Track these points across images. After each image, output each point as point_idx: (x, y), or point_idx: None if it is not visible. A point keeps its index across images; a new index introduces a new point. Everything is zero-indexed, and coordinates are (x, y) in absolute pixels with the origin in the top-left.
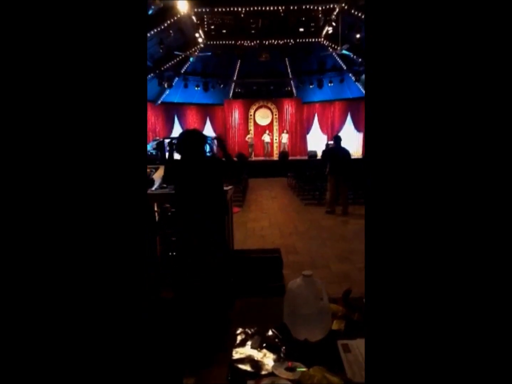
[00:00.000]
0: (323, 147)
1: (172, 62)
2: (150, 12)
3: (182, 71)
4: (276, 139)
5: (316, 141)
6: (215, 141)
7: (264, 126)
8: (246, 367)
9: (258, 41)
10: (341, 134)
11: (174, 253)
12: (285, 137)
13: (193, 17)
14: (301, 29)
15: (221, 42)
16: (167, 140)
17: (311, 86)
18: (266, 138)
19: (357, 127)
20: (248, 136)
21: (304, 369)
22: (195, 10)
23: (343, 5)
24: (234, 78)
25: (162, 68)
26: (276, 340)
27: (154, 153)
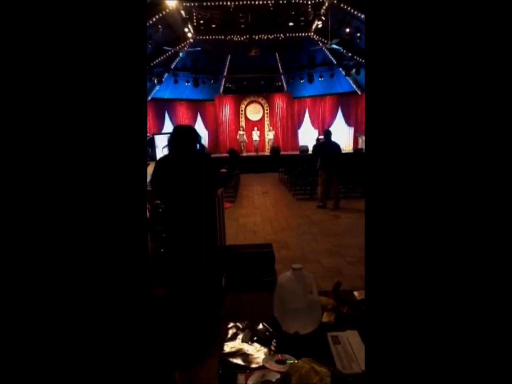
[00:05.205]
0: (314, 142)
1: (162, 57)
2: None
3: (171, 67)
4: (267, 136)
5: (308, 136)
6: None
7: (256, 122)
8: (237, 361)
9: (247, 36)
10: (332, 128)
11: (168, 251)
12: (270, 134)
13: (182, 12)
14: (291, 24)
15: (210, 37)
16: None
17: (301, 81)
18: (255, 136)
19: (347, 121)
20: (240, 133)
21: (294, 361)
22: (184, 4)
23: None
24: (225, 74)
25: (152, 64)
26: (267, 333)
27: None
